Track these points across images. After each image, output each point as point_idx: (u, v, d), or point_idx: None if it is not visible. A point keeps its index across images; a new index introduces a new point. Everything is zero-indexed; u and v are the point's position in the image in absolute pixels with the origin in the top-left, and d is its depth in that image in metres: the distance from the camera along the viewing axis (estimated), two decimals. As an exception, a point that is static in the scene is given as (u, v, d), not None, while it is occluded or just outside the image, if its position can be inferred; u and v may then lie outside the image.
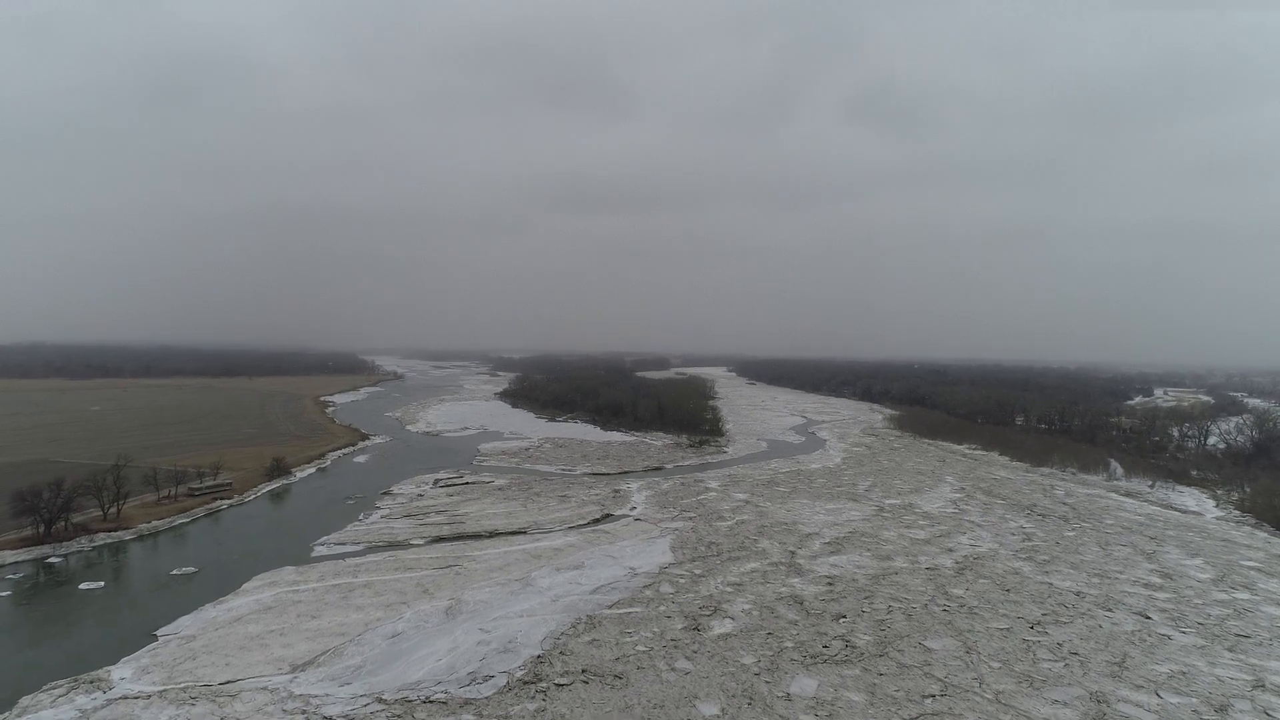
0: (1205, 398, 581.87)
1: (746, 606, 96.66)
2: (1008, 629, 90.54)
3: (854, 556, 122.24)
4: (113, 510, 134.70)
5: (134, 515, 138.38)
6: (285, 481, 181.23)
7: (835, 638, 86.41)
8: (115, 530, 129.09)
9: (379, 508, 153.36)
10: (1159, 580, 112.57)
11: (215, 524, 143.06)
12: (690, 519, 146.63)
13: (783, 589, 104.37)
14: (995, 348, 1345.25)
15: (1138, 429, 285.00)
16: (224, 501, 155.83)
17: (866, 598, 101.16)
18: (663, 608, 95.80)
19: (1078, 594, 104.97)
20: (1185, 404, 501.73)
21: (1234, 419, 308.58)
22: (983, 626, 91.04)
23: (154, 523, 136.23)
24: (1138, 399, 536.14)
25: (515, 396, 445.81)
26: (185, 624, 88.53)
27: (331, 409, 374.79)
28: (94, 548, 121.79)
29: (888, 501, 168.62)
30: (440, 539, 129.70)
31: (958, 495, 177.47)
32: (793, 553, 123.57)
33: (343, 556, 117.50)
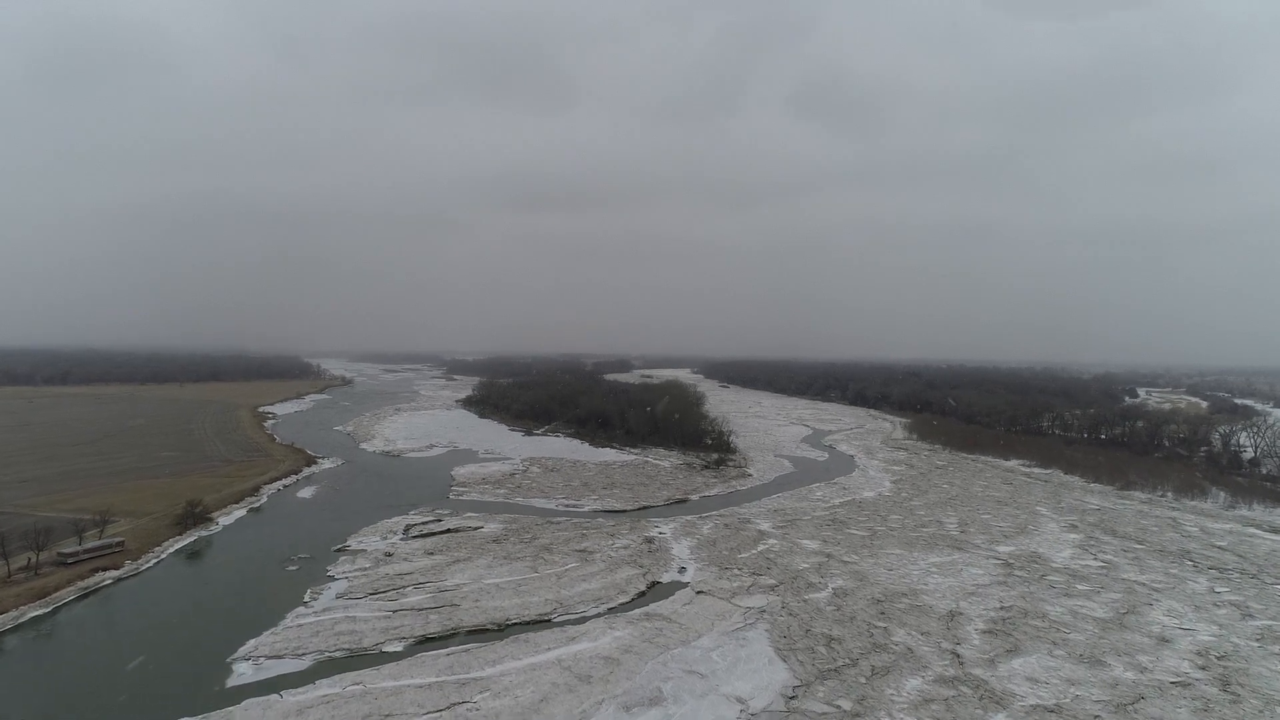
0: (1192, 398, 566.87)
1: (978, 796, 57.03)
2: None
3: (1045, 659, 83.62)
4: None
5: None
6: (204, 533, 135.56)
7: None
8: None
9: (333, 577, 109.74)
10: None
11: (91, 614, 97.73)
12: (770, 589, 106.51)
13: (998, 742, 65.14)
14: (956, 346, 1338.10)
15: (1192, 438, 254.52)
16: (110, 573, 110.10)
17: (1148, 762, 62.47)
18: (840, 806, 55.63)
19: None
20: (1182, 406, 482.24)
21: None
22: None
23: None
24: (1127, 401, 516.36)
25: (481, 405, 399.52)
26: None
27: (271, 422, 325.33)
28: None
29: (999, 549, 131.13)
30: (428, 639, 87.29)
31: (1075, 535, 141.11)
32: (954, 653, 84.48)
33: (278, 689, 73.90)
